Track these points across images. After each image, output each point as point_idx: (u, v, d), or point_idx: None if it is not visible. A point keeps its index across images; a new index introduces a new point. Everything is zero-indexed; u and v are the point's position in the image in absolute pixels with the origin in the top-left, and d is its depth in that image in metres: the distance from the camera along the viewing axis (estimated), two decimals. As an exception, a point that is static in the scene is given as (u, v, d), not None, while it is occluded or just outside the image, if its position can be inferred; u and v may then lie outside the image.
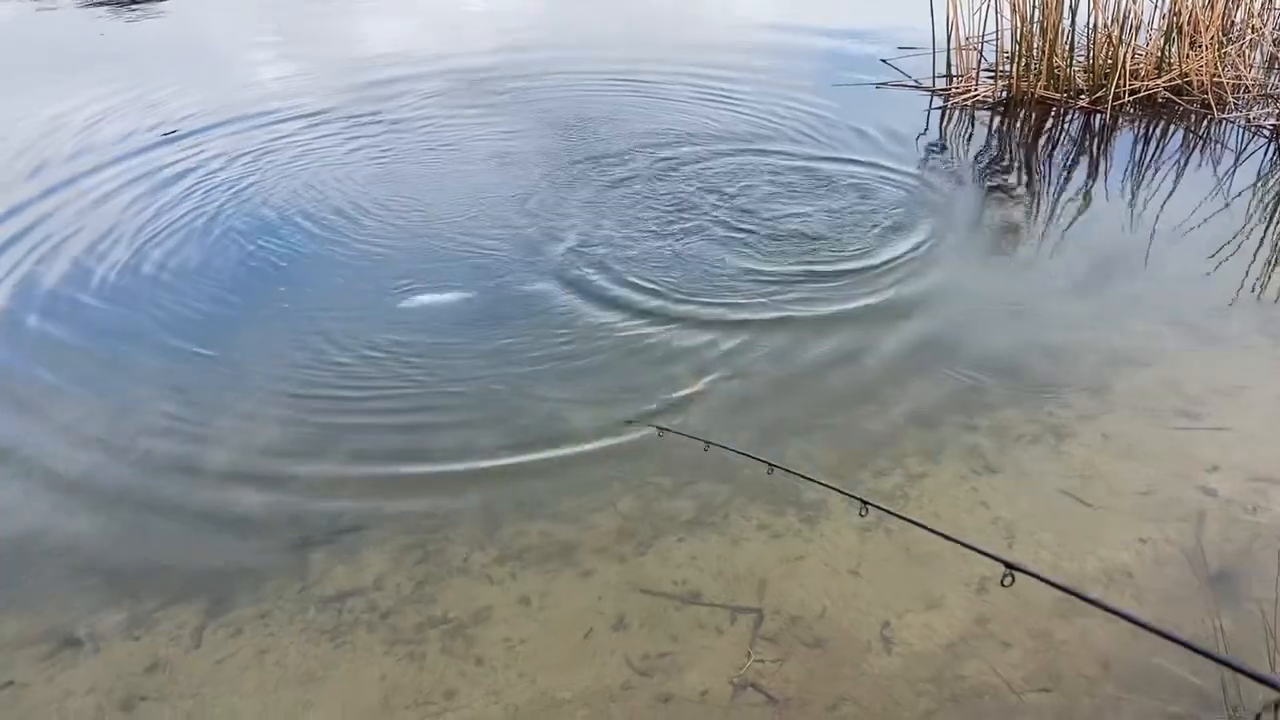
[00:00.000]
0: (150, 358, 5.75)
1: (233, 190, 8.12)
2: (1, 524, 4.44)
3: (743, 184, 7.93)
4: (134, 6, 16.07)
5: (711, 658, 3.68)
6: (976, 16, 9.89)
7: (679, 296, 6.18)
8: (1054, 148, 9.03)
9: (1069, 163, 8.63)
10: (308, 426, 5.02)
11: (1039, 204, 7.83)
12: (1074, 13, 9.37)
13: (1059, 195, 7.99)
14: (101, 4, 16.47)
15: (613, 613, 3.89)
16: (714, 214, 7.38)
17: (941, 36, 10.12)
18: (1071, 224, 7.39)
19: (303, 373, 5.49)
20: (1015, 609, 3.80)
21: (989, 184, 8.20)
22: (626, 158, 8.55)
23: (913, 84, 10.52)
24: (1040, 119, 9.67)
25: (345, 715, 3.49)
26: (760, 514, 4.36)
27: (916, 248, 6.81)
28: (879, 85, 10.55)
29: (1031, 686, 3.48)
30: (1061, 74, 9.82)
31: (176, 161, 8.82)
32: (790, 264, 6.59)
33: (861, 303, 6.08)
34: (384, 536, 4.31)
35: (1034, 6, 9.36)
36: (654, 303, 6.12)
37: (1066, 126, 9.48)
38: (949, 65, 10.36)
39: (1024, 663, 3.58)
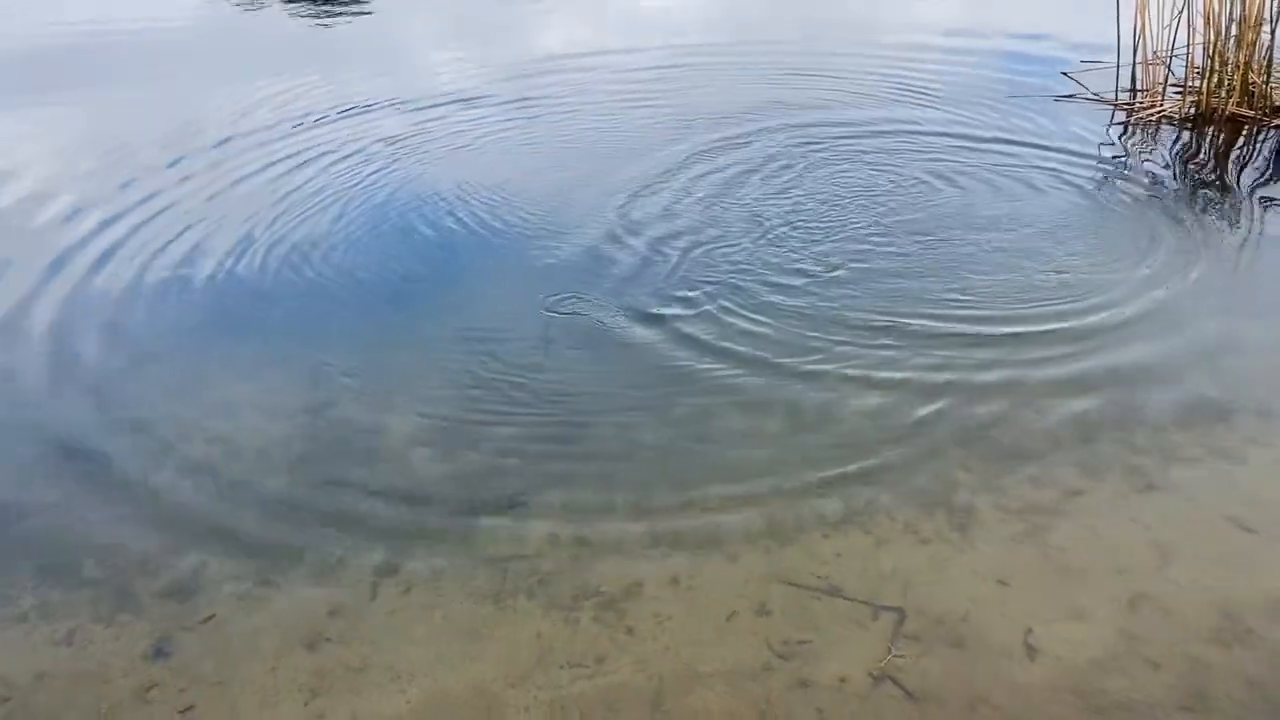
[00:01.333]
0: (335, 327, 6.31)
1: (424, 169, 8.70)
2: (201, 480, 4.95)
3: (917, 197, 7.94)
4: (337, 5, 17.15)
5: (851, 649, 3.79)
6: (1166, 31, 9.52)
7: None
8: (1244, 166, 8.62)
9: (1261, 182, 8.23)
10: (481, 409, 5.38)
11: (1226, 222, 7.52)
12: (1275, 27, 8.92)
13: (1245, 214, 7.66)
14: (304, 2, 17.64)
15: (756, 599, 4.05)
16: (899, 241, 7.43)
17: (1127, 49, 9.80)
18: (1260, 241, 7.10)
19: (481, 357, 5.88)
20: (1166, 628, 3.76)
21: (1178, 201, 7.92)
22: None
23: (1094, 97, 10.22)
24: (1231, 137, 9.23)
25: (504, 670, 3.77)
26: (908, 515, 4.44)
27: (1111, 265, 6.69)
28: (1059, 99, 10.29)
29: (1176, 706, 3.45)
30: (1257, 90, 9.36)
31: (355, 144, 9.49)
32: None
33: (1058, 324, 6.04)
34: (547, 513, 4.60)
35: (1229, 20, 8.97)
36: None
37: (1260, 146, 9.03)
38: (1133, 80, 10.01)
39: (1171, 682, 3.55)
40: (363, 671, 3.78)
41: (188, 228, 7.84)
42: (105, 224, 7.92)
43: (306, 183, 8.68)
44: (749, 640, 3.85)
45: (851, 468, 4.75)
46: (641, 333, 6.06)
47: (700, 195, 8.09)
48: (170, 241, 7.61)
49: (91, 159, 9.47)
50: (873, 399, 5.30)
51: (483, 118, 10.31)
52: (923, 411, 5.17)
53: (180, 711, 3.64)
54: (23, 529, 4.67)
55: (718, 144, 9.15)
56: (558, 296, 6.51)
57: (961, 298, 6.28)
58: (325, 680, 3.74)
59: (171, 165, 9.21)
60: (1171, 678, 3.57)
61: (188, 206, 8.27)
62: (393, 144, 9.57)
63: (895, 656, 3.73)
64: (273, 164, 9.15)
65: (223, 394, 5.66)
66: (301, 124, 10.25)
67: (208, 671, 3.81)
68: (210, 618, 4.09)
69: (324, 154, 9.36)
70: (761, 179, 8.34)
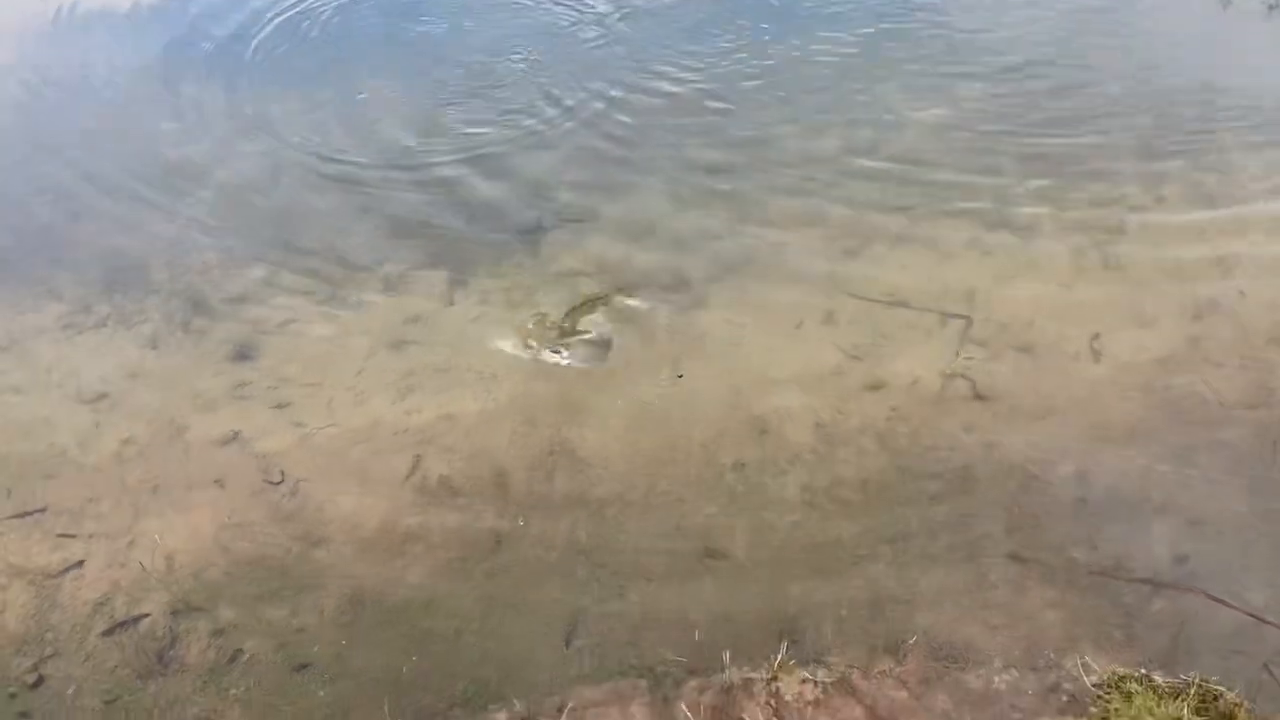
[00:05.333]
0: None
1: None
2: (277, 195, 4.92)
3: None
4: None
5: (920, 353, 3.90)
6: None
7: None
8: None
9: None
10: (535, 133, 5.28)
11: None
12: None
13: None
14: None
15: (822, 310, 4.12)
16: None
17: None
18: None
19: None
20: (1232, 332, 3.89)
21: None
22: None
23: None
24: None
25: (587, 378, 3.91)
26: (971, 229, 4.47)
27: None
28: None
29: (1240, 403, 3.62)
30: None
31: None
32: None
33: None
34: (601, 227, 4.61)
35: None
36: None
37: None
38: None
39: (1235, 380, 3.70)
40: (448, 372, 3.89)
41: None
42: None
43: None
44: (819, 346, 3.94)
45: (913, 187, 4.74)
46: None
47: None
48: None
49: None
50: (935, 112, 5.25)
51: None
52: (986, 128, 5.11)
53: (275, 407, 3.76)
54: (81, 236, 4.69)
55: None
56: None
57: None
58: (414, 378, 3.86)
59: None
60: (1235, 375, 3.73)
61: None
62: None
63: (964, 359, 3.86)
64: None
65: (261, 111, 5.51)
66: None
67: (295, 373, 3.90)
68: (290, 321, 4.15)
69: None
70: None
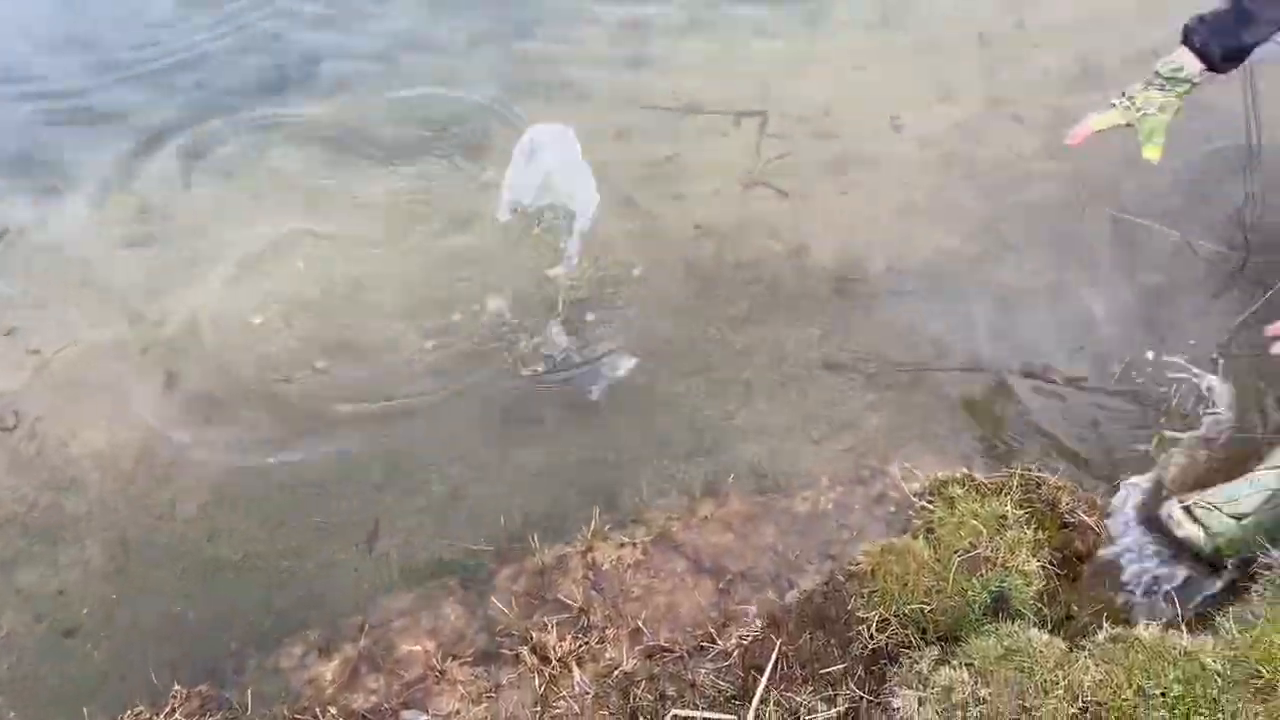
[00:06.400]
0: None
1: None
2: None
3: None
4: None
5: (719, 158, 3.61)
6: None
7: None
8: None
9: None
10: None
11: None
12: None
13: None
14: None
15: (612, 127, 3.76)
16: None
17: None
18: None
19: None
20: (1030, 88, 3.70)
21: None
22: None
23: None
24: None
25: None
26: (756, 14, 4.10)
27: None
28: None
29: (1042, 157, 3.47)
30: None
31: None
32: None
33: None
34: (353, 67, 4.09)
35: None
36: None
37: None
38: None
39: (1037, 137, 3.54)
40: (195, 263, 3.41)
41: None
42: None
43: None
44: (615, 161, 3.61)
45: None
46: None
47: None
48: None
49: None
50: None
51: None
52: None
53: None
54: None
55: None
56: None
57: None
58: (157, 279, 3.37)
59: None
60: (1037, 133, 3.56)
61: None
62: None
63: (766, 161, 3.58)
64: None
65: None
66: None
67: (19, 294, 3.36)
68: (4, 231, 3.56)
69: None
70: None
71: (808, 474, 2.73)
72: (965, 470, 2.58)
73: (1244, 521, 2.44)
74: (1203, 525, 2.48)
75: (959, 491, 2.47)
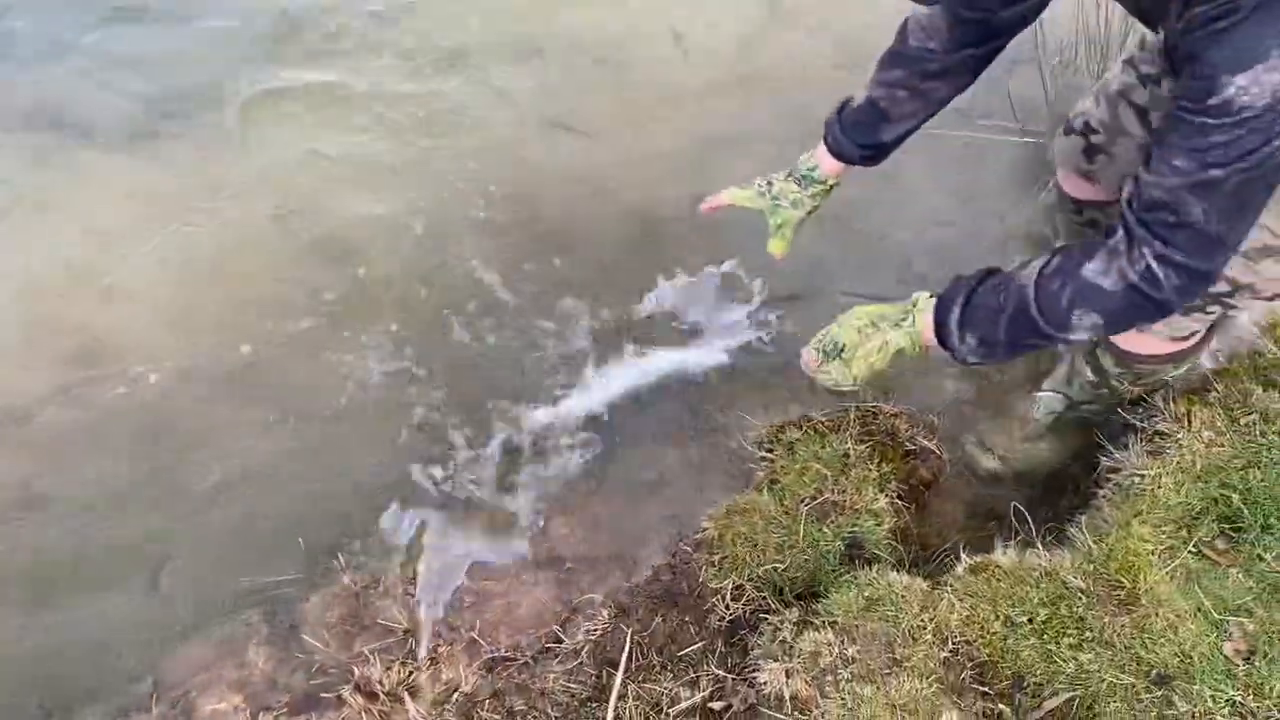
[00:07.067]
0: None
1: None
2: None
3: None
4: None
5: (502, 112, 3.31)
6: None
7: None
8: None
9: None
10: None
11: None
12: None
13: None
14: None
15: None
16: None
17: None
18: None
19: None
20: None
21: None
22: None
23: None
24: None
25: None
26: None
27: None
28: None
29: (835, 63, 3.34)
30: None
31: None
32: None
33: None
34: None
35: None
36: None
37: None
38: None
39: (828, 45, 3.41)
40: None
41: None
42: None
43: None
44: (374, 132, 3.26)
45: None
46: None
47: None
48: None
49: None
50: None
51: None
52: None
53: None
54: None
55: None
56: None
57: None
58: None
59: None
60: (825, 43, 3.43)
61: None
62: None
63: (553, 103, 3.31)
64: None
65: None
66: None
67: None
68: None
69: None
70: None
71: (634, 436, 2.52)
72: (801, 412, 2.44)
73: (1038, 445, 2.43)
74: (999, 458, 2.45)
75: (798, 435, 2.32)
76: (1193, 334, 2.02)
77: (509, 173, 3.13)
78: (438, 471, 2.44)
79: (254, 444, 2.51)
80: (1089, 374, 2.24)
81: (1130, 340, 2.05)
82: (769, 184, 2.19)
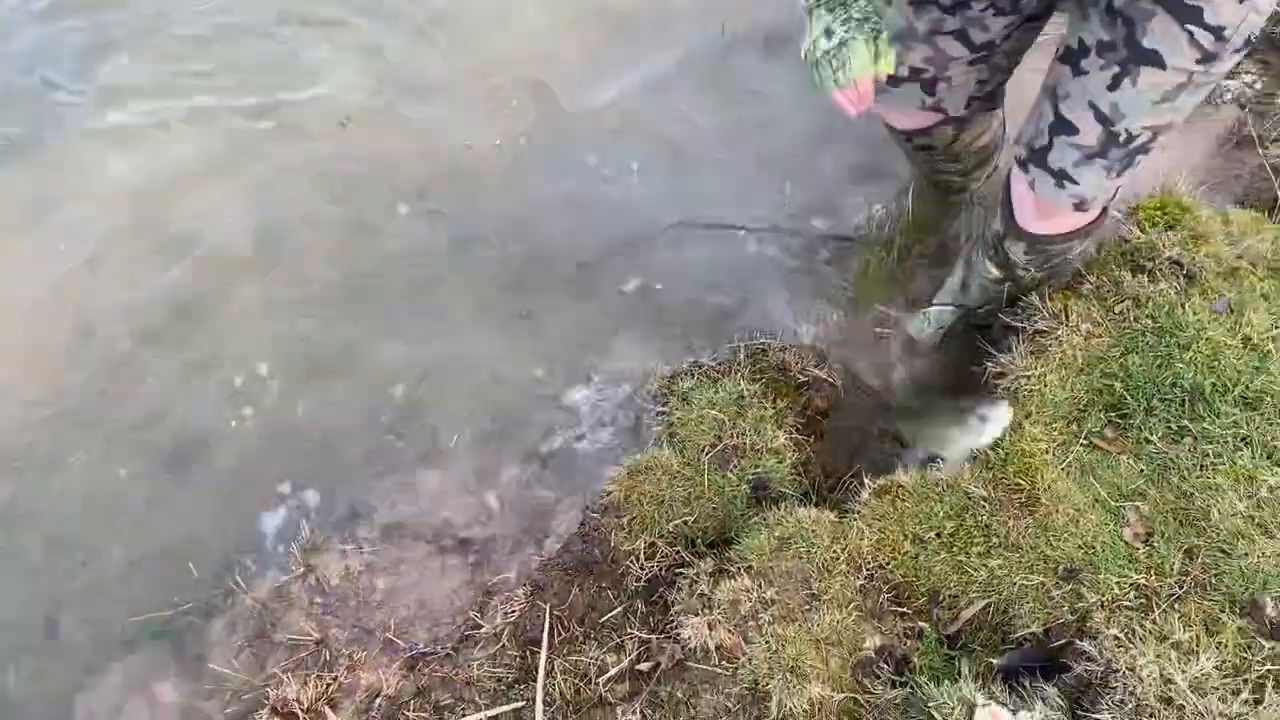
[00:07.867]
0: None
1: None
2: None
3: None
4: None
5: (332, 80, 3.16)
6: None
7: None
8: None
9: None
10: None
11: None
12: None
13: None
14: None
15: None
16: None
17: None
18: None
19: None
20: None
21: None
22: None
23: None
24: None
25: None
26: None
27: None
28: None
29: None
30: None
31: None
32: None
33: None
34: None
35: None
36: None
37: None
38: None
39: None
40: None
41: None
42: None
43: None
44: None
45: None
46: None
47: None
48: None
49: None
50: None
51: None
52: None
53: None
54: None
55: None
56: None
57: None
58: None
59: None
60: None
61: None
62: None
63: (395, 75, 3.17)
64: None
65: None
66: None
67: None
68: None
69: None
70: None
71: (521, 409, 2.46)
72: (692, 359, 2.41)
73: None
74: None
75: (690, 384, 2.30)
76: (1099, 204, 1.96)
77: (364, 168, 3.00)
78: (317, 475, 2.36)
79: (116, 476, 2.38)
80: (994, 271, 2.22)
81: (1042, 223, 2.02)
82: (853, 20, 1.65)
